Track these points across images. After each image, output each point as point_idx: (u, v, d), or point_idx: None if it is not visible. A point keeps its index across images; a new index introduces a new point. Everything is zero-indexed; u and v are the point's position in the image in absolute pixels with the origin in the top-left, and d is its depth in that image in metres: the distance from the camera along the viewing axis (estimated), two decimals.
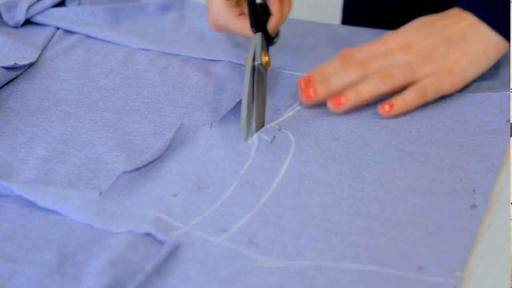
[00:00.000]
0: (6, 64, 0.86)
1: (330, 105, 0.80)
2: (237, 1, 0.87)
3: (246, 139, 0.74)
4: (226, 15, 0.85)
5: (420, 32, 0.81)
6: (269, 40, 0.86)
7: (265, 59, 0.80)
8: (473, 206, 0.65)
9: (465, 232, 0.62)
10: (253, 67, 0.79)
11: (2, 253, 0.60)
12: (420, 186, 0.68)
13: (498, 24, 0.80)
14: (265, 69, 0.80)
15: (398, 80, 0.79)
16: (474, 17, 0.80)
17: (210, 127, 0.76)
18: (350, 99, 0.79)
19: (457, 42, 0.80)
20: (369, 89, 0.79)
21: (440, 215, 0.64)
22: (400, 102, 0.79)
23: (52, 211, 0.65)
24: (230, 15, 0.85)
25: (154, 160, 0.71)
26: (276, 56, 0.91)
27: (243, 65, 0.91)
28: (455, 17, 0.82)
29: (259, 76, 0.79)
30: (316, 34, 0.98)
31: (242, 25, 0.85)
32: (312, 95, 0.80)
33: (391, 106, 0.79)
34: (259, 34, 0.83)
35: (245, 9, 0.86)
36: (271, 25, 0.85)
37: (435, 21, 0.82)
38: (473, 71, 0.81)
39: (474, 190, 0.67)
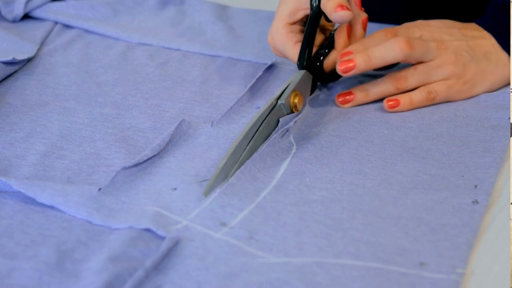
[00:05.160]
0: (4, 59, 0.86)
1: (337, 100, 0.79)
2: (301, 27, 0.81)
3: (206, 194, 0.64)
4: (284, 40, 0.79)
5: (451, 33, 0.80)
6: (322, 76, 0.79)
7: (294, 100, 0.72)
8: (475, 202, 0.65)
9: (467, 228, 0.62)
10: (272, 106, 0.71)
11: (0, 250, 0.60)
12: (421, 181, 0.68)
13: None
14: (292, 112, 0.73)
15: (411, 84, 0.79)
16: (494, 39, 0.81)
17: (211, 126, 0.76)
18: (358, 99, 0.79)
19: (479, 58, 0.80)
20: (378, 91, 0.80)
21: (442, 211, 0.64)
22: (406, 100, 0.79)
23: (51, 207, 0.64)
24: (289, 41, 0.79)
25: (154, 155, 0.71)
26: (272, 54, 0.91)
27: (242, 60, 0.90)
28: (480, 32, 0.81)
29: (275, 117, 0.71)
30: None
31: (297, 54, 0.78)
32: (350, 66, 0.76)
33: (397, 103, 0.78)
34: (301, 72, 0.75)
35: None
36: (328, 60, 0.79)
37: (463, 27, 0.82)
38: (485, 87, 0.81)
39: (475, 186, 0.67)
